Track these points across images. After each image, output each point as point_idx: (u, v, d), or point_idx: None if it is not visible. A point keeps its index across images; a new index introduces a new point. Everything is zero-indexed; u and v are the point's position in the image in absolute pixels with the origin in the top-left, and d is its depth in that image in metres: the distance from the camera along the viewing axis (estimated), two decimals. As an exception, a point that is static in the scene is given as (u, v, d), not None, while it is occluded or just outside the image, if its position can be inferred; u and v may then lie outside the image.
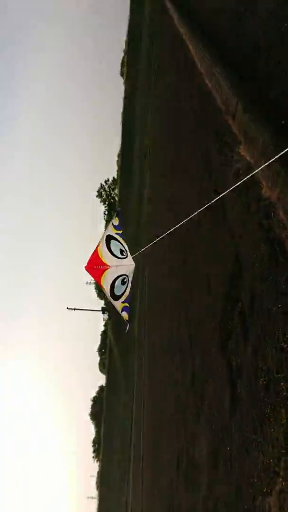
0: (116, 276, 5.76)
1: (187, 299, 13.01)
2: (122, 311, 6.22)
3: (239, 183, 5.88)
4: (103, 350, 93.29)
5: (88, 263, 5.80)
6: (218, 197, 6.49)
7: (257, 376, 6.22)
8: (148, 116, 39.51)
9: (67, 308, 79.89)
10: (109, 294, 6.01)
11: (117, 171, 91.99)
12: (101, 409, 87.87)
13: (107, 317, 78.44)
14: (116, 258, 5.77)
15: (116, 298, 6.09)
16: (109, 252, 5.76)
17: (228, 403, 7.59)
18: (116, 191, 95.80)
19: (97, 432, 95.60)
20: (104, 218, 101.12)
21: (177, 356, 14.32)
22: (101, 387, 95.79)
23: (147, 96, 43.43)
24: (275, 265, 5.89)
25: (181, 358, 13.33)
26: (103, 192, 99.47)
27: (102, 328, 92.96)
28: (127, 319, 6.40)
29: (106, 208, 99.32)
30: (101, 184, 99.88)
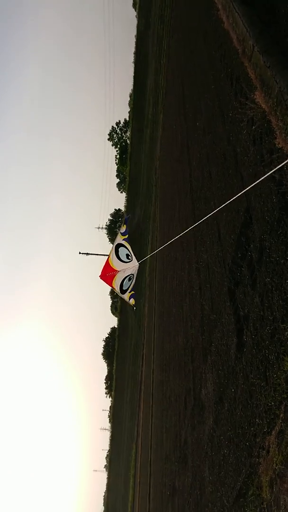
0: (124, 277, 6.91)
1: (198, 246, 13.10)
2: (129, 299, 7.44)
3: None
4: (115, 293, 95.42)
5: (101, 272, 7.02)
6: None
7: (263, 324, 6.42)
8: (162, 55, 37.59)
9: (80, 253, 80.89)
10: (119, 291, 7.20)
11: (129, 112, 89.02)
12: (113, 348, 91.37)
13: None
14: (123, 263, 6.87)
15: (124, 292, 7.27)
16: (117, 259, 6.89)
17: (235, 349, 7.89)
18: (128, 134, 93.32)
19: (109, 370, 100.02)
20: (115, 163, 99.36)
21: (186, 301, 14.67)
22: (113, 329, 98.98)
23: (161, 34, 41.08)
24: (286, 218, 5.88)
25: (191, 303, 13.67)
26: (114, 135, 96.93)
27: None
28: (133, 303, 7.78)
29: (118, 152, 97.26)
30: (112, 126, 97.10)
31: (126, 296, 7.21)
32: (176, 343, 16.84)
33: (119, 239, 7.13)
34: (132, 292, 7.22)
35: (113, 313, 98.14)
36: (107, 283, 7.15)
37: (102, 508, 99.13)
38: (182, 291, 16.11)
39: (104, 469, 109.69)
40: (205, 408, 10.20)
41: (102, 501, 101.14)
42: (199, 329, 11.65)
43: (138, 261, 7.06)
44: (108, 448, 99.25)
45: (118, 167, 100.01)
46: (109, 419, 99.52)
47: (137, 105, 71.49)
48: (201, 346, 11.29)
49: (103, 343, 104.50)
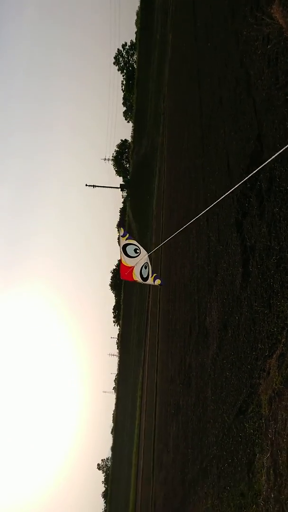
0: (139, 268, 7.76)
1: (206, 177, 12.87)
2: (154, 281, 8.07)
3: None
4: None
5: (121, 274, 8.01)
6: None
7: (269, 254, 6.46)
8: None
9: (86, 185, 79.99)
10: (142, 281, 7.90)
11: (136, 33, 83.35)
12: (120, 279, 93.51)
13: (126, 194, 78.66)
14: (134, 258, 7.74)
15: (146, 279, 7.99)
16: (128, 257, 7.76)
17: (240, 279, 8.03)
18: (135, 57, 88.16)
19: (117, 300, 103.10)
20: (122, 89, 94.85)
21: (193, 232, 14.71)
22: (120, 260, 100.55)
23: None
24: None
25: (197, 234, 13.71)
26: (120, 59, 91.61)
27: (121, 205, 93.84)
28: (160, 283, 8.32)
29: (124, 77, 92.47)
30: (118, 49, 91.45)
31: (150, 281, 7.93)
32: (182, 274, 17.14)
33: (123, 241, 7.95)
34: (155, 274, 8.00)
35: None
36: (130, 280, 8.03)
37: (111, 424, 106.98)
38: (189, 227, 16.08)
39: (113, 390, 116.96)
40: (209, 335, 10.60)
41: (112, 418, 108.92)
42: (205, 260, 11.78)
43: (146, 251, 7.96)
44: (116, 372, 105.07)
45: (124, 94, 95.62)
46: (117, 346, 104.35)
47: (144, 24, 66.86)
48: (207, 277, 11.48)
49: (111, 274, 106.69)
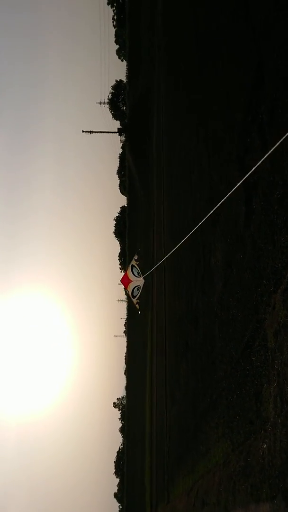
0: (133, 287, 9.79)
1: (206, 114, 12.40)
2: (136, 304, 10.20)
3: None
4: (122, 172, 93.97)
5: (122, 278, 10.15)
6: None
7: (272, 190, 6.33)
8: None
9: (82, 131, 77.75)
10: (131, 295, 9.90)
11: None
12: (124, 226, 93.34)
13: (124, 138, 76.53)
14: (135, 277, 9.82)
15: (134, 297, 10.01)
16: (132, 274, 9.83)
17: (243, 217, 7.94)
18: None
19: (122, 248, 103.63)
20: (113, 25, 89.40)
21: (195, 172, 14.43)
22: (122, 208, 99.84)
23: None
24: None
25: (199, 174, 13.44)
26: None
27: (120, 151, 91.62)
28: (138, 308, 10.59)
29: (115, 11, 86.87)
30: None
31: (134, 301, 9.96)
32: (185, 216, 17.03)
33: (133, 262, 10.26)
34: (138, 301, 10.05)
35: (122, 192, 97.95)
36: (124, 286, 10.04)
37: (124, 366, 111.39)
38: (190, 163, 15.74)
39: (124, 334, 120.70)
40: (214, 275, 10.69)
41: (124, 360, 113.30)
42: (208, 201, 11.62)
43: (143, 276, 10.10)
44: (125, 316, 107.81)
45: (116, 31, 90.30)
46: (125, 292, 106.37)
47: None
48: (210, 217, 11.38)
49: (114, 222, 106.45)
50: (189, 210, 15.80)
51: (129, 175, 79.33)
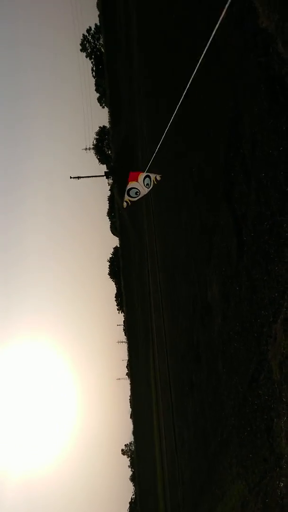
0: (136, 189, 9.03)
1: (190, 151, 12.73)
2: (124, 202, 9.51)
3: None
4: (112, 214, 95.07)
5: (131, 176, 9.09)
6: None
7: (261, 221, 6.41)
8: None
9: (70, 178, 79.23)
10: (126, 192, 9.22)
11: (99, 16, 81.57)
12: (118, 267, 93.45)
13: (112, 181, 77.97)
14: (143, 185, 8.96)
15: (127, 194, 9.33)
16: (142, 179, 8.97)
17: (235, 249, 7.99)
18: (101, 40, 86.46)
19: (118, 288, 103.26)
20: (92, 75, 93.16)
21: (183, 209, 14.63)
22: (115, 248, 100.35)
23: None
24: (275, 106, 5.59)
25: (188, 210, 13.63)
26: (87, 45, 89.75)
27: (109, 193, 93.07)
28: (124, 206, 9.66)
29: (93, 63, 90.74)
30: (83, 35, 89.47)
31: (127, 198, 9.24)
32: (178, 253, 17.12)
33: (153, 177, 9.17)
34: (134, 199, 9.28)
35: (113, 233, 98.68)
36: (129, 178, 9.12)
37: (129, 409, 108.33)
38: (178, 200, 15.99)
39: (126, 376, 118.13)
40: (212, 309, 10.62)
41: (129, 404, 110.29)
42: (199, 236, 11.74)
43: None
44: (127, 358, 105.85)
45: (96, 80, 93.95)
46: (124, 332, 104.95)
47: (106, 5, 65.37)
48: (202, 252, 11.45)
49: (108, 263, 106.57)
50: (182, 245, 15.90)
51: (119, 216, 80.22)
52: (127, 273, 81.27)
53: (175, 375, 23.97)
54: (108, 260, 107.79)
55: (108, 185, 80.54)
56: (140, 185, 8.90)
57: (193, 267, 13.19)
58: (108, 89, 78.87)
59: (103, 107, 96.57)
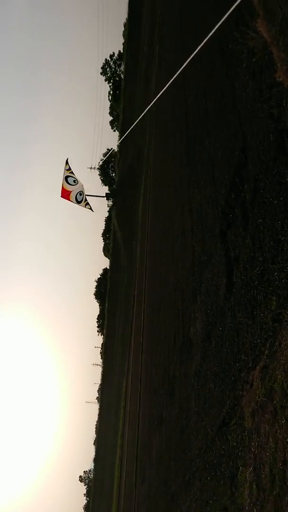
0: (75, 193, 10.07)
1: (191, 188, 12.90)
2: (86, 206, 10.61)
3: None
4: (107, 235, 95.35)
5: (61, 194, 10.31)
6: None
7: (253, 265, 6.46)
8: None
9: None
10: (76, 202, 10.27)
11: (124, 44, 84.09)
12: (105, 288, 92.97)
13: (111, 203, 78.52)
14: (72, 186, 10.00)
15: (79, 202, 10.42)
16: (68, 184, 10.03)
17: (224, 289, 8.01)
18: (122, 67, 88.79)
19: (101, 310, 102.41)
20: (108, 99, 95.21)
21: (178, 242, 14.70)
22: (105, 270, 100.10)
23: None
24: (282, 156, 5.73)
25: (182, 244, 13.70)
26: (108, 69, 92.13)
27: (106, 214, 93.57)
28: (90, 208, 10.92)
29: (111, 87, 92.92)
30: (106, 59, 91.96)
31: (82, 205, 10.33)
32: (166, 284, 17.09)
33: (66, 173, 10.28)
34: (87, 202, 10.46)
35: (105, 254, 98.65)
36: (66, 199, 10.26)
37: (94, 435, 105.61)
38: (174, 233, 16.09)
39: (96, 400, 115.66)
40: (193, 345, 10.54)
41: (94, 429, 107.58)
42: (190, 270, 11.76)
43: (81, 183, 10.52)
44: (100, 382, 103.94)
45: (111, 104, 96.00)
46: (101, 355, 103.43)
47: (131, 35, 67.47)
48: (191, 287, 11.45)
49: (95, 283, 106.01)
50: (171, 277, 15.90)
51: (114, 238, 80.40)
52: (113, 296, 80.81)
53: (145, 407, 23.53)
54: (95, 281, 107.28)
55: (107, 206, 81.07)
56: (74, 189, 10.15)
57: (180, 301, 13.16)
58: (121, 115, 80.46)
59: (114, 131, 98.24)
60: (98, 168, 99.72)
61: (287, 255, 5.17)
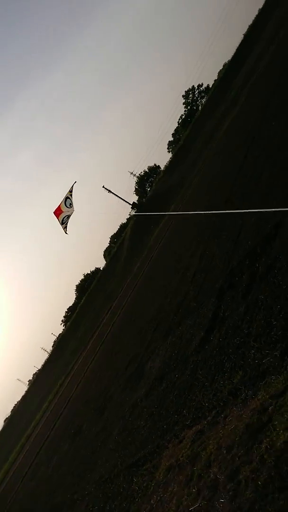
0: (64, 216, 11.08)
1: (213, 236, 12.97)
2: (64, 229, 11.32)
3: None
4: (115, 239, 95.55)
5: (55, 210, 11.13)
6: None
7: (235, 334, 6.43)
8: (274, 40, 35.75)
9: (103, 187, 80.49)
10: (60, 222, 11.04)
11: (215, 81, 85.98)
12: (88, 286, 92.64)
13: (134, 213, 78.90)
14: (67, 208, 11.06)
15: (63, 223, 11.18)
16: (65, 205, 11.05)
17: (198, 342, 7.96)
18: (204, 100, 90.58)
19: (75, 303, 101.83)
20: (177, 121, 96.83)
21: (176, 279, 14.71)
22: (97, 269, 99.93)
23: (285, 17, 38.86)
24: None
25: (179, 282, 13.70)
26: (190, 95, 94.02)
27: (124, 220, 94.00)
28: (65, 231, 11.39)
29: (186, 112, 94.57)
30: (193, 86, 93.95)
31: (63, 227, 11.04)
32: (147, 310, 17.03)
33: (68, 193, 11.21)
34: (66, 224, 11.14)
35: (104, 256, 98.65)
36: (56, 216, 11.07)
37: (8, 413, 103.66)
38: (176, 268, 16.11)
39: (27, 383, 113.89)
40: (143, 378, 10.43)
41: (12, 408, 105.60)
42: (175, 309, 11.73)
43: (74, 208, 11.29)
44: (39, 368, 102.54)
45: (178, 127, 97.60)
46: (53, 344, 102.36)
47: (226, 76, 68.99)
48: (168, 324, 11.40)
49: (82, 277, 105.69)
50: (153, 307, 15.84)
51: (120, 246, 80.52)
52: (93, 296, 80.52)
53: (70, 412, 23.15)
54: (84, 274, 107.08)
55: (129, 214, 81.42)
56: (65, 211, 10.94)
57: (151, 331, 13.08)
58: (182, 141, 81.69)
59: (168, 152, 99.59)
60: (137, 177, 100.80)
61: (272, 340, 5.15)
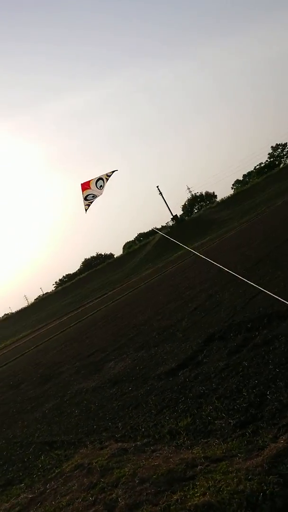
0: (90, 193, 10.27)
1: (227, 287, 12.87)
2: (85, 205, 10.39)
3: None
4: (141, 238, 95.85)
5: (82, 184, 10.33)
6: None
7: (203, 382, 6.35)
8: None
9: (157, 187, 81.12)
10: (84, 197, 10.23)
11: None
12: (96, 265, 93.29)
13: (170, 225, 79.03)
14: (96, 188, 10.26)
15: (87, 200, 10.31)
16: (94, 184, 10.27)
17: (166, 369, 7.89)
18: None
19: (72, 275, 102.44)
20: (255, 167, 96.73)
21: (170, 306, 14.65)
22: (111, 255, 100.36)
23: None
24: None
25: (175, 311, 13.63)
26: (279, 150, 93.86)
27: (159, 226, 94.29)
28: (86, 209, 10.47)
29: (267, 162, 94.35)
30: (286, 142, 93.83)
31: (85, 203, 10.34)
32: (134, 315, 17.00)
33: (105, 176, 10.44)
34: (89, 204, 10.38)
35: (124, 247, 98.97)
36: (81, 189, 10.35)
37: None
38: (181, 294, 16.05)
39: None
40: (99, 373, 10.41)
41: None
42: (160, 328, 11.68)
43: (102, 193, 10.51)
44: (13, 311, 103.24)
45: (252, 171, 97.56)
46: (36, 298, 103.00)
47: None
48: (147, 339, 11.34)
49: (95, 254, 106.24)
50: (137, 319, 15.78)
51: (140, 247, 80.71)
52: (94, 276, 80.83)
53: (17, 365, 23.28)
54: (97, 253, 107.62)
55: (166, 223, 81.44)
56: (94, 189, 10.27)
57: (128, 337, 13.05)
58: (248, 185, 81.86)
59: (232, 188, 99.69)
60: (192, 194, 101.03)
61: (234, 407, 5.06)
